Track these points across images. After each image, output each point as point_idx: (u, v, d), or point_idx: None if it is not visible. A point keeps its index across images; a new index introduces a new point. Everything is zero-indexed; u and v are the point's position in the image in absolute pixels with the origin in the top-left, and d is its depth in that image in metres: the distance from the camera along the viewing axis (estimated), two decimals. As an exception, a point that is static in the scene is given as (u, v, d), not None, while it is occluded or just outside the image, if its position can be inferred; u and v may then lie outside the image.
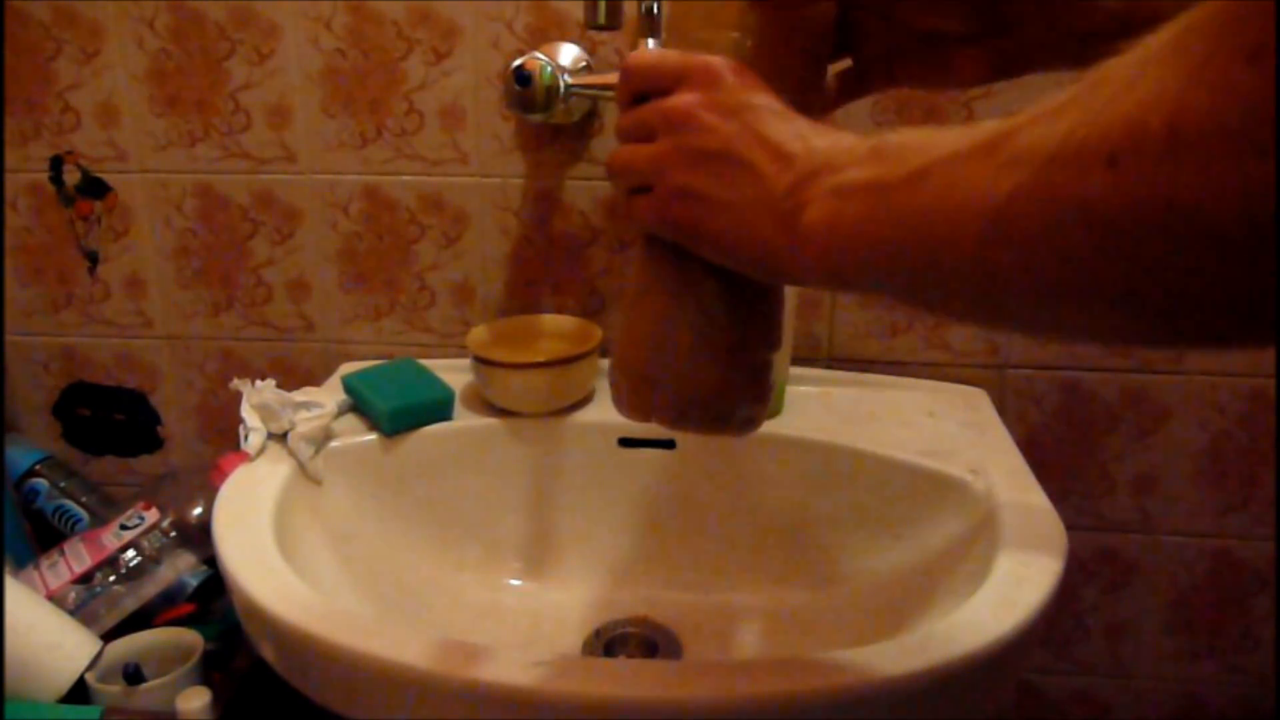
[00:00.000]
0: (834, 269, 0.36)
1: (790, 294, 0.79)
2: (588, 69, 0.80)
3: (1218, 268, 0.23)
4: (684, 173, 0.40)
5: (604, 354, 0.83)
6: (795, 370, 0.84)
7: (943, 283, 0.32)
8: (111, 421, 0.96)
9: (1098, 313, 0.28)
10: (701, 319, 0.44)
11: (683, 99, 0.41)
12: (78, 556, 0.77)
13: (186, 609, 0.76)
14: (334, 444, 0.75)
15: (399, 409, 0.77)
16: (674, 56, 0.42)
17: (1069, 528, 0.61)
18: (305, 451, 0.72)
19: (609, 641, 0.73)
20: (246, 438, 0.73)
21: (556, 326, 0.85)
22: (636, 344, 0.46)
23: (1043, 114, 0.28)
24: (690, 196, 0.40)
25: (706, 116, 0.40)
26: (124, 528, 0.77)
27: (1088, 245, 0.26)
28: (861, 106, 0.80)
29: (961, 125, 0.32)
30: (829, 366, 0.87)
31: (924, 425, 0.78)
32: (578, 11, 0.79)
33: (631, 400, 0.47)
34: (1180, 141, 0.23)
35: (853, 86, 0.50)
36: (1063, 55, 0.44)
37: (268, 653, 0.60)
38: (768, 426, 0.77)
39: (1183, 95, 0.23)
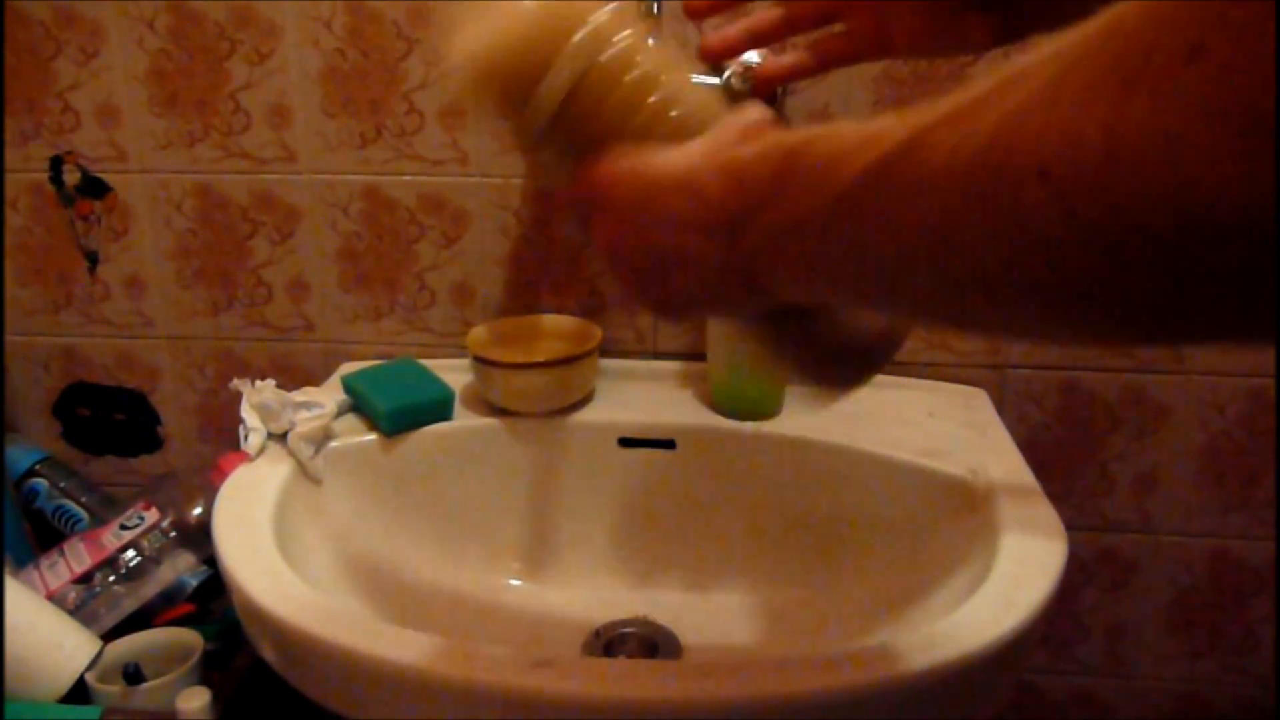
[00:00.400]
0: (808, 298, 0.37)
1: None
2: (588, 69, 0.80)
3: (1164, 273, 0.23)
4: (646, 289, 0.41)
5: (604, 354, 0.83)
6: (795, 370, 0.83)
7: (903, 295, 0.31)
8: (111, 421, 0.96)
9: (1051, 317, 0.27)
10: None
11: (598, 234, 0.42)
12: (78, 556, 0.77)
13: (186, 609, 0.76)
14: (334, 444, 0.75)
15: (399, 409, 0.77)
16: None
17: (1069, 528, 0.61)
18: (305, 451, 0.72)
19: (609, 641, 0.73)
20: (246, 438, 0.73)
21: (556, 326, 0.85)
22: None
23: (952, 115, 0.27)
24: (666, 303, 0.41)
25: (620, 238, 0.41)
26: (124, 528, 0.77)
27: (1030, 259, 0.25)
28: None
29: (855, 124, 0.31)
30: (829, 366, 0.87)
31: (924, 425, 0.78)
32: (578, 11, 0.79)
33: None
34: (1119, 148, 0.22)
35: (844, 54, 0.50)
36: (1068, 20, 0.44)
37: (268, 653, 0.60)
38: (767, 426, 0.77)
39: (1120, 100, 0.22)
